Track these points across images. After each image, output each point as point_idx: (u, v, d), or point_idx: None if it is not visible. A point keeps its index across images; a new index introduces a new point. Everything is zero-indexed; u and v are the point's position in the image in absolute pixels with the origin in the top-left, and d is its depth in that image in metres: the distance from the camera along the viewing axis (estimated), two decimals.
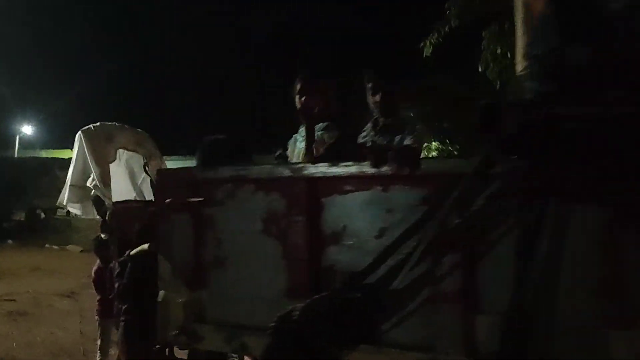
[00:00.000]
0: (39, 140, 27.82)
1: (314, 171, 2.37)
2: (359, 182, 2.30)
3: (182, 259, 2.66)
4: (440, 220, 1.99)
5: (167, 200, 2.63)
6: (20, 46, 27.64)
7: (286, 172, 2.42)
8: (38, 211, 16.57)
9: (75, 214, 5.57)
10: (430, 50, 10.31)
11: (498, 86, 9.81)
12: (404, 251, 2.10)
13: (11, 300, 8.76)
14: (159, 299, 2.65)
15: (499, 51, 9.59)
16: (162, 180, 2.82)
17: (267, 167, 2.53)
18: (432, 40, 10.16)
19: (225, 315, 2.54)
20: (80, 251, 14.28)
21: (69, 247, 14.72)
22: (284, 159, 3.19)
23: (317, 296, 2.20)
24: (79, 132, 5.18)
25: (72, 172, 5.23)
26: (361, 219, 2.31)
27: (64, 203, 5.28)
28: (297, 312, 2.15)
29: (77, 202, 5.23)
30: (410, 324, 2.16)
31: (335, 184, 2.34)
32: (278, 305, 2.36)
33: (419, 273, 2.08)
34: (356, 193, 2.30)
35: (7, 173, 18.58)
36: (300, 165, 2.45)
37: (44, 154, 23.15)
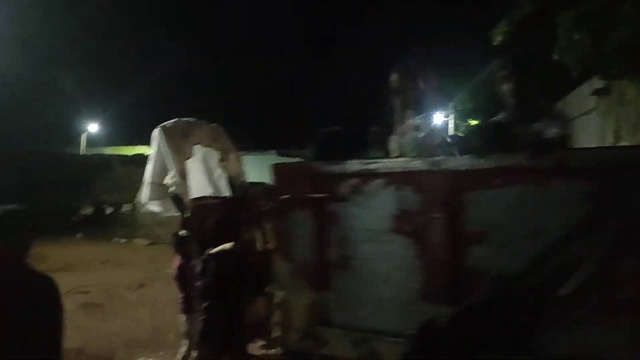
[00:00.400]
0: (104, 138, 28.84)
1: (456, 164, 2.15)
2: (510, 175, 2.06)
3: (303, 259, 2.50)
4: (623, 218, 1.73)
5: (286, 196, 2.46)
6: (87, 46, 28.57)
7: (424, 166, 2.21)
8: (104, 206, 17.08)
9: (154, 212, 5.52)
10: (501, 39, 9.84)
11: (576, 73, 9.26)
12: (571, 253, 1.86)
13: (85, 292, 8.96)
14: (278, 300, 2.50)
15: (576, 37, 9.03)
16: (280, 175, 2.66)
17: (400, 160, 2.33)
18: (503, 29, 9.69)
19: (352, 318, 2.36)
20: (147, 244, 14.63)
21: (136, 240, 15.06)
22: (377, 137, 3.02)
23: (466, 301, 1.99)
24: (158, 128, 5.13)
25: (151, 170, 5.18)
26: (511, 217, 2.07)
27: (143, 201, 5.25)
28: (445, 319, 1.94)
29: (157, 200, 5.19)
30: (578, 335, 1.91)
31: (481, 178, 2.11)
32: (413, 309, 2.16)
33: (593, 277, 1.83)
34: (505, 187, 2.07)
35: (75, 169, 19.26)
36: (440, 157, 2.23)
37: (109, 150, 23.97)
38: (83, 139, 28.18)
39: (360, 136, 2.86)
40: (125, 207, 16.33)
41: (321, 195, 2.40)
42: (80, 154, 24.42)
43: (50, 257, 11.07)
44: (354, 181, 2.37)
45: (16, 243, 2.15)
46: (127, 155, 21.16)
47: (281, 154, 15.66)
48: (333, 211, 2.43)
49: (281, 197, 2.51)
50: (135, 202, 14.29)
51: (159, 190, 5.01)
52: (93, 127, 29.49)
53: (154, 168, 5.05)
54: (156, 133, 5.08)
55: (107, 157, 21.25)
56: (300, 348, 2.45)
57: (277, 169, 2.67)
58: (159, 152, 5.01)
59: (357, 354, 2.32)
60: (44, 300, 2.16)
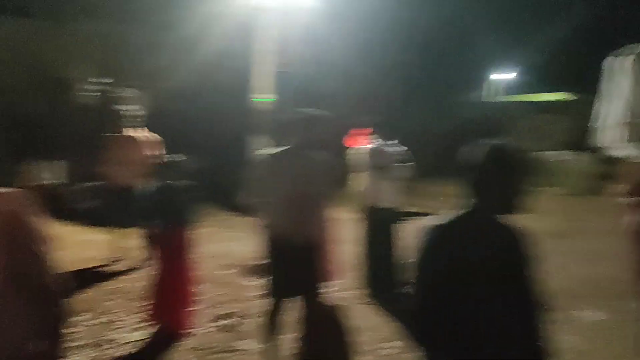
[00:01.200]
0: (521, 86, 29.36)
1: None
2: None
3: None
4: None
5: None
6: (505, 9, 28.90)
7: None
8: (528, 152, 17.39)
9: (625, 157, 4.99)
10: None
11: None
12: None
13: None
14: None
15: None
16: None
17: None
18: None
19: None
20: (565, 194, 14.35)
21: (554, 189, 14.87)
22: None
23: None
24: (630, 56, 4.53)
25: (620, 106, 4.68)
26: None
27: (610, 145, 4.84)
28: None
29: (626, 142, 4.68)
30: None
31: None
32: None
33: None
34: None
35: (491, 116, 20.20)
36: None
37: (523, 98, 24.09)
38: (501, 87, 29.51)
39: None
40: (545, 155, 16.13)
41: None
42: (498, 101, 25.46)
43: None
44: None
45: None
46: (543, 102, 20.81)
47: None
48: None
49: None
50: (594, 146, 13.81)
51: (629, 130, 4.54)
52: (511, 76, 30.97)
53: (624, 104, 4.58)
54: (628, 62, 4.55)
55: (524, 104, 21.42)
56: None
57: None
58: (630, 84, 4.51)
59: None
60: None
